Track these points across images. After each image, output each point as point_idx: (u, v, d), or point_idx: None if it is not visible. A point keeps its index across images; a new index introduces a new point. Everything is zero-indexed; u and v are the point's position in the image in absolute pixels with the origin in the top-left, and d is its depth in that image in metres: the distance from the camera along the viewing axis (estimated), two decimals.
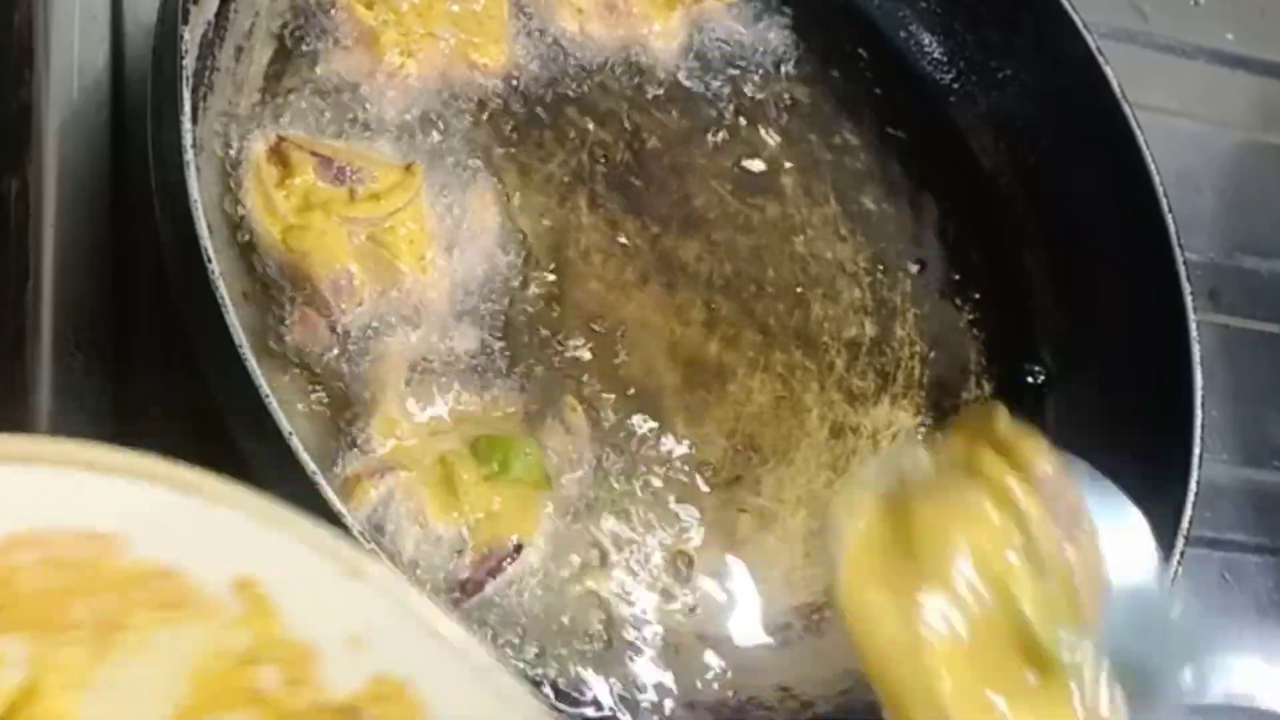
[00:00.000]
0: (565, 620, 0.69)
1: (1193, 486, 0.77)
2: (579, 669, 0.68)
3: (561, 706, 0.66)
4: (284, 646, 0.50)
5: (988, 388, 0.86)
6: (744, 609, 0.74)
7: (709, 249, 0.81)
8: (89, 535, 0.46)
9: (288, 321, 0.68)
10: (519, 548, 0.68)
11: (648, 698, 0.69)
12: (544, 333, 0.74)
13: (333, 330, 0.69)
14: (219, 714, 0.51)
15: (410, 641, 0.51)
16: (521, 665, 0.67)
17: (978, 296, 0.87)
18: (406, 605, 0.51)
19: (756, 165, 0.84)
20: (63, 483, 0.46)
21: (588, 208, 0.79)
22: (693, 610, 0.72)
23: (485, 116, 0.77)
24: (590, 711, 0.68)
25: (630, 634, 0.71)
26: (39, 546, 0.46)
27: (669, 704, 0.70)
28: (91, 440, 0.47)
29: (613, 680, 0.69)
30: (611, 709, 0.68)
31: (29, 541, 0.45)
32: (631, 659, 0.70)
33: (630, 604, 0.71)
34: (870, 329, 0.84)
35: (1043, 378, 0.86)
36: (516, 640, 0.68)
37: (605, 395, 0.74)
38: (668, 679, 0.71)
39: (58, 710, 0.48)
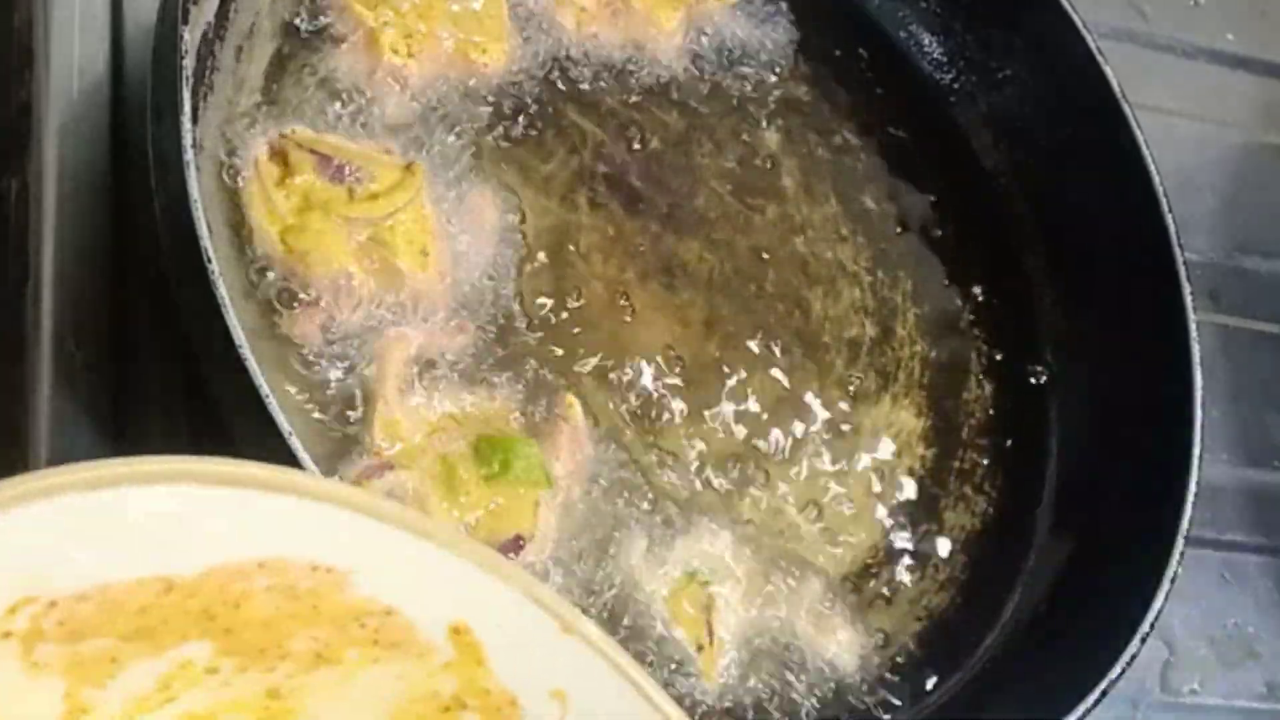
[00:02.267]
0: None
1: (1192, 486, 0.77)
2: None
3: None
4: (488, 694, 0.51)
5: (988, 387, 0.86)
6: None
7: (709, 249, 0.81)
8: (322, 568, 0.47)
9: (287, 322, 0.68)
10: (521, 542, 0.68)
11: None
12: (544, 332, 0.74)
13: (331, 330, 0.69)
14: None
15: (611, 699, 0.51)
16: None
17: (978, 296, 0.87)
18: (615, 665, 0.51)
19: (757, 165, 0.84)
20: (305, 514, 0.46)
21: (588, 207, 0.79)
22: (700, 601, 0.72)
23: (486, 116, 0.77)
24: None
25: (632, 631, 0.71)
26: (275, 574, 0.46)
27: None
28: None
29: None
30: None
31: (268, 567, 0.46)
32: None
33: (631, 601, 0.71)
34: (870, 329, 0.84)
35: (1045, 379, 0.86)
36: None
37: (605, 394, 0.74)
38: (670, 676, 0.71)
39: None
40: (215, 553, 0.45)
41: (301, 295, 0.68)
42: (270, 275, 0.69)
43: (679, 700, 0.71)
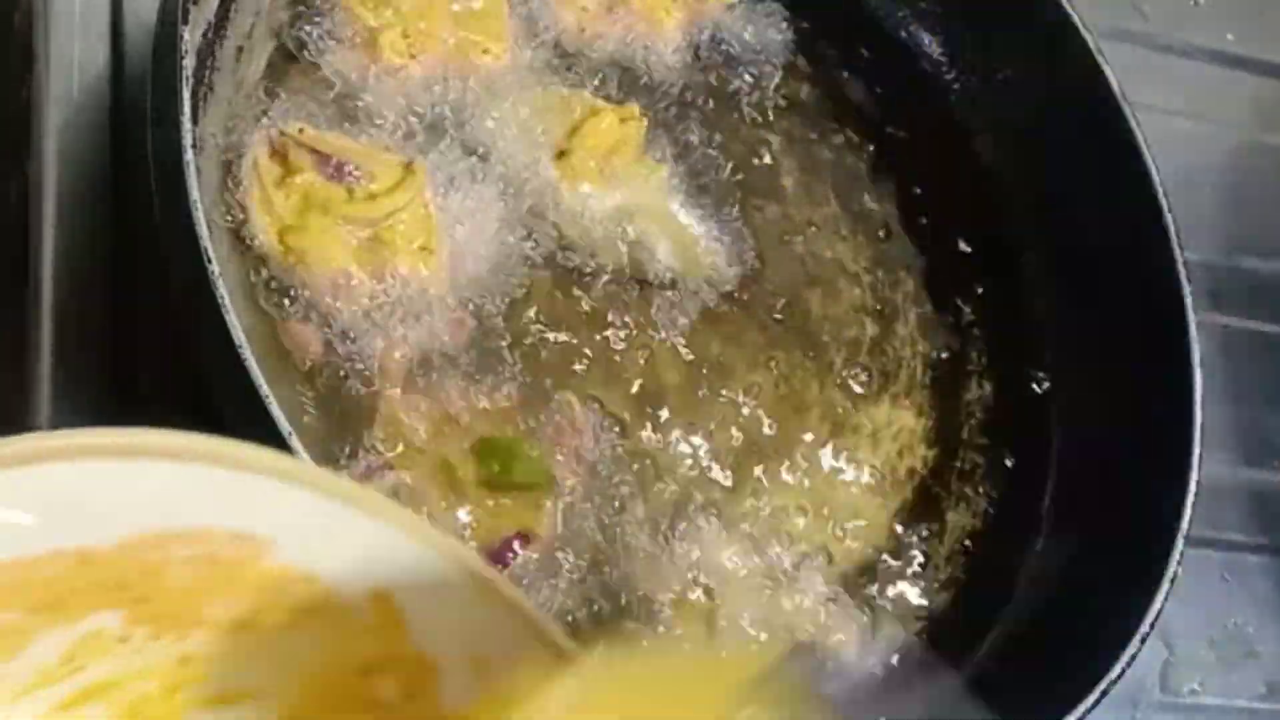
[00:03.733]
0: (571, 618, 0.69)
1: (1192, 486, 0.77)
2: None
3: None
4: (407, 660, 0.50)
5: (988, 387, 0.86)
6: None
7: None
8: (243, 536, 0.46)
9: (281, 332, 0.68)
10: (524, 540, 0.68)
11: None
12: (545, 330, 0.74)
13: (328, 330, 0.69)
14: (330, 718, 0.50)
15: (533, 665, 0.50)
16: None
17: (978, 296, 0.87)
18: (533, 629, 0.50)
19: (757, 165, 0.84)
20: (226, 483, 0.45)
21: None
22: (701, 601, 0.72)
23: (487, 114, 0.77)
24: None
25: (632, 632, 0.71)
26: (195, 543, 0.45)
27: None
28: None
29: None
30: None
31: (188, 537, 0.45)
32: None
33: (631, 602, 0.71)
34: (871, 329, 0.84)
35: (1045, 379, 0.86)
36: None
37: (606, 393, 0.74)
38: None
39: (164, 710, 0.48)
40: (134, 524, 0.44)
41: (290, 306, 0.68)
42: (270, 275, 0.69)
43: None
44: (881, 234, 0.86)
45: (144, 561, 0.45)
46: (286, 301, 0.68)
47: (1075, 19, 0.85)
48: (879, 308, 0.84)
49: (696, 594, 0.73)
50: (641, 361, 0.76)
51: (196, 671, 0.48)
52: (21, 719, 0.46)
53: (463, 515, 0.67)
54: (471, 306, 0.73)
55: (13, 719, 0.46)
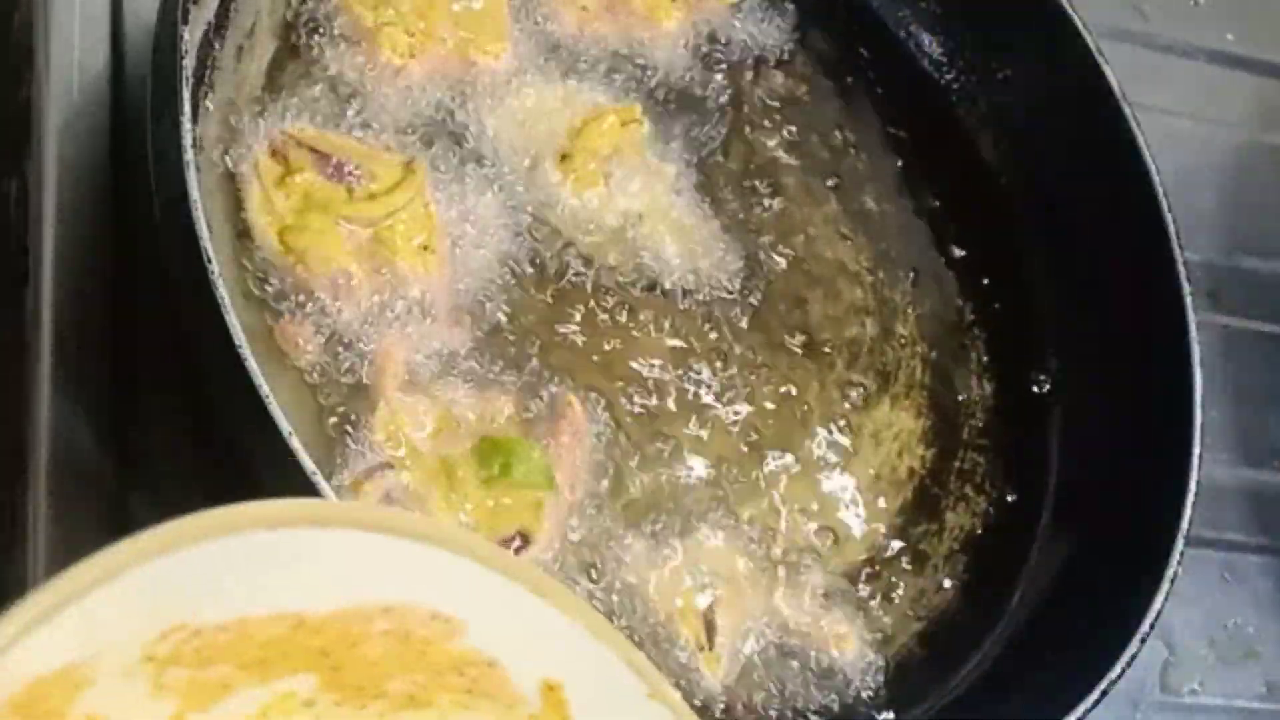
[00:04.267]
0: None
1: (1192, 486, 0.77)
2: None
3: None
4: None
5: (989, 388, 0.86)
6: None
7: None
8: (441, 616, 0.48)
9: (287, 321, 0.68)
10: (524, 540, 0.68)
11: None
12: (545, 329, 0.74)
13: (328, 330, 0.69)
14: None
15: None
16: None
17: (978, 296, 0.87)
18: None
19: (757, 164, 0.84)
20: (432, 561, 0.47)
21: None
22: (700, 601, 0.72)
23: (487, 113, 0.77)
24: None
25: (633, 632, 0.71)
26: (396, 618, 0.47)
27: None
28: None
29: None
30: None
31: (392, 611, 0.47)
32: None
33: (632, 602, 0.71)
34: (871, 329, 0.84)
35: (1045, 379, 0.86)
36: None
37: (607, 392, 0.74)
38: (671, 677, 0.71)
39: None
40: (349, 594, 0.46)
41: (300, 295, 0.68)
42: (270, 275, 0.69)
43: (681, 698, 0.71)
44: (882, 234, 0.86)
45: (348, 631, 0.47)
46: (287, 301, 0.68)
47: (1075, 19, 0.85)
48: (879, 308, 0.84)
49: (696, 594, 0.73)
50: (642, 361, 0.76)
51: None
52: None
53: (463, 515, 0.67)
54: (472, 306, 0.73)
55: None
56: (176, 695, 0.45)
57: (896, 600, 0.78)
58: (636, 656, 0.51)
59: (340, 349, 0.69)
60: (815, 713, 0.73)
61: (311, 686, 0.47)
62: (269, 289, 0.68)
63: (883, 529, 0.79)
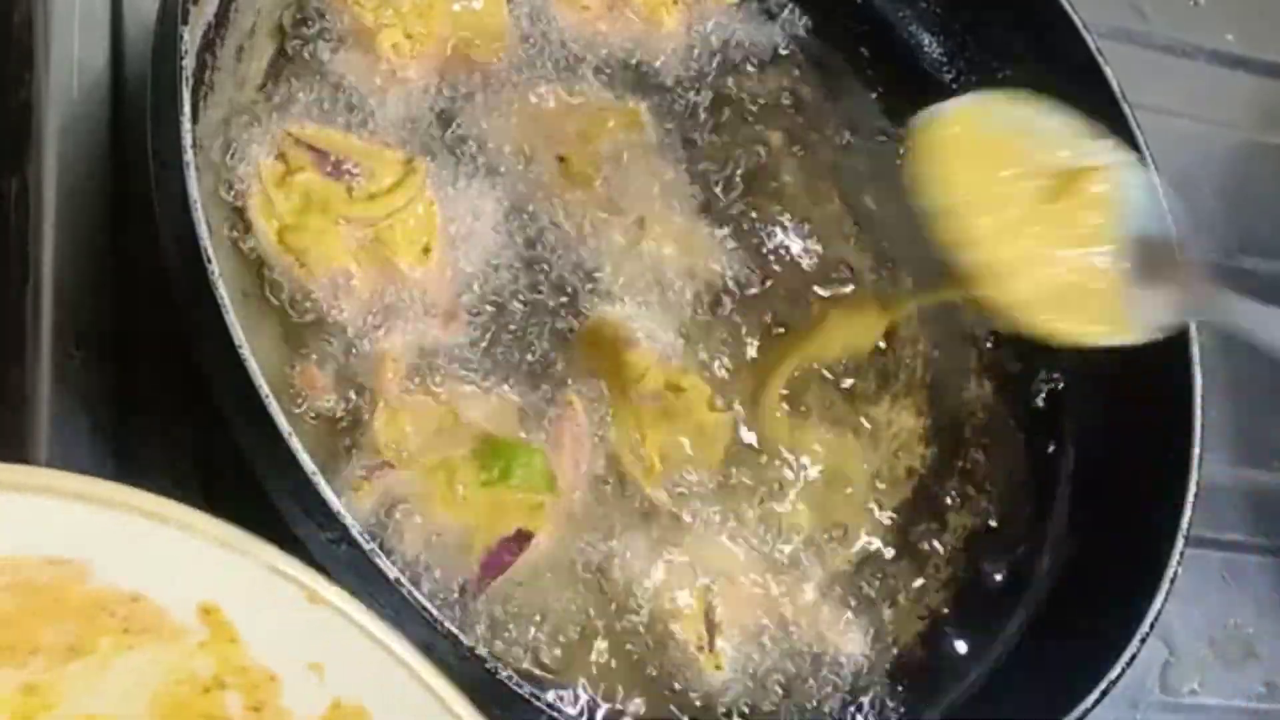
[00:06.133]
0: (575, 610, 0.69)
1: (1192, 486, 0.77)
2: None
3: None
4: (246, 672, 0.51)
5: (988, 387, 0.86)
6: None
7: None
8: (58, 561, 0.47)
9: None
10: (526, 540, 0.68)
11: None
12: (545, 328, 0.74)
13: (330, 332, 0.69)
14: None
15: (368, 667, 0.52)
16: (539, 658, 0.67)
17: (978, 296, 0.87)
18: (365, 630, 0.52)
19: (758, 164, 0.84)
20: (33, 508, 0.46)
21: None
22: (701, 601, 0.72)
23: (486, 113, 0.77)
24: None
25: (633, 632, 0.71)
26: (10, 571, 0.47)
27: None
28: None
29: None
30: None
31: (2, 565, 0.46)
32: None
33: (633, 602, 0.71)
34: None
35: (1044, 379, 0.86)
36: (532, 631, 0.68)
37: (608, 393, 0.74)
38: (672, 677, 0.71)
39: None
40: None
41: (300, 295, 0.68)
42: (270, 275, 0.69)
43: (681, 698, 0.71)
44: (883, 233, 0.86)
45: None
46: (287, 301, 0.68)
47: (1075, 19, 0.85)
48: (879, 307, 0.84)
49: (697, 594, 0.73)
50: (643, 361, 0.76)
51: (43, 700, 0.49)
52: None
53: (463, 515, 0.67)
54: (472, 306, 0.73)
55: None
56: None
57: (897, 599, 0.78)
58: (285, 562, 0.51)
59: (341, 348, 0.69)
60: (816, 712, 0.73)
61: None
62: (269, 289, 0.68)
63: (883, 528, 0.79)
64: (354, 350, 0.69)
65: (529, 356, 0.73)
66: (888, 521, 0.80)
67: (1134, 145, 0.84)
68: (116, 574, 0.48)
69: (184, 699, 0.51)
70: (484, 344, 0.72)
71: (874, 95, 0.90)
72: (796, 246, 0.83)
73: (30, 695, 0.49)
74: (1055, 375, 0.86)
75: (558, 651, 0.69)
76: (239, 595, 0.50)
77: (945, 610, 0.79)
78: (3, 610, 0.47)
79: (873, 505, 0.80)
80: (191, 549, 0.49)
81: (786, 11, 0.88)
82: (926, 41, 0.92)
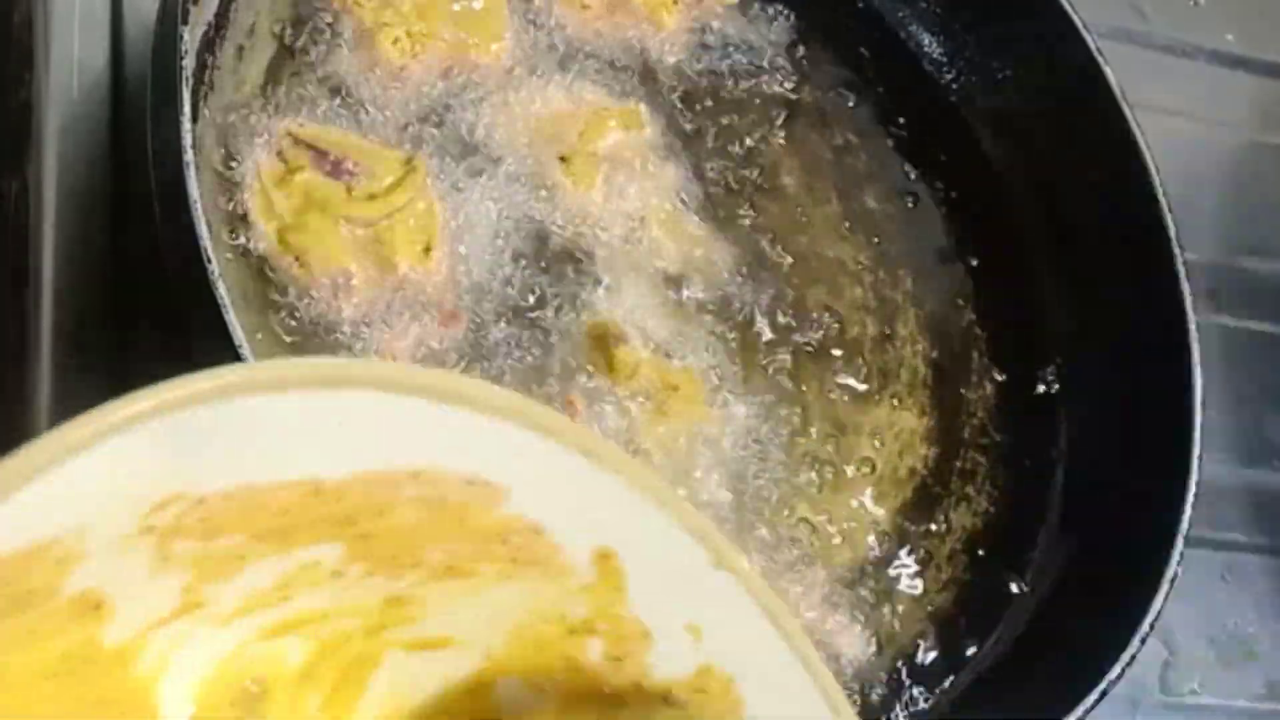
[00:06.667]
0: None
1: (1192, 486, 0.77)
2: None
3: None
4: (621, 622, 0.48)
5: (989, 387, 0.86)
6: None
7: None
8: (478, 482, 0.44)
9: (287, 322, 0.68)
10: None
11: None
12: (545, 329, 0.74)
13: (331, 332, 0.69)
14: (529, 675, 0.48)
15: (752, 641, 0.48)
16: None
17: (979, 296, 0.87)
18: (763, 604, 0.48)
19: (758, 164, 0.84)
20: (465, 425, 0.43)
21: None
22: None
23: (487, 113, 0.77)
24: None
25: None
26: (428, 484, 0.43)
27: None
28: None
29: None
30: None
31: (421, 478, 0.43)
32: None
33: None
34: (872, 328, 0.84)
35: (1045, 378, 0.86)
36: None
37: (609, 393, 0.74)
38: None
39: (363, 649, 0.47)
40: (369, 458, 0.42)
41: (300, 296, 0.68)
42: (270, 275, 0.69)
43: None
44: (883, 233, 0.86)
45: (373, 498, 0.43)
46: (287, 301, 0.68)
47: (1075, 19, 0.85)
48: (880, 307, 0.84)
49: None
50: (633, 358, 0.76)
51: (402, 614, 0.47)
52: (224, 642, 0.45)
53: None
54: (473, 306, 0.73)
55: (215, 641, 0.44)
56: (185, 568, 0.41)
57: (898, 600, 0.78)
58: (699, 522, 0.47)
59: (341, 348, 0.69)
60: None
61: (337, 556, 0.44)
62: (269, 289, 0.68)
63: (884, 528, 0.79)
64: (354, 350, 0.69)
65: (529, 356, 0.73)
66: (888, 522, 0.80)
67: (1134, 145, 0.84)
68: (528, 504, 0.45)
69: (546, 638, 0.48)
70: (485, 345, 0.72)
71: (874, 95, 0.90)
72: (796, 247, 0.83)
73: (392, 607, 0.46)
74: (1055, 375, 0.86)
75: None
76: (640, 547, 0.46)
77: (946, 611, 0.79)
78: (404, 521, 0.44)
79: (874, 506, 0.80)
80: (609, 493, 0.45)
81: (786, 11, 0.88)
82: (926, 41, 0.92)
